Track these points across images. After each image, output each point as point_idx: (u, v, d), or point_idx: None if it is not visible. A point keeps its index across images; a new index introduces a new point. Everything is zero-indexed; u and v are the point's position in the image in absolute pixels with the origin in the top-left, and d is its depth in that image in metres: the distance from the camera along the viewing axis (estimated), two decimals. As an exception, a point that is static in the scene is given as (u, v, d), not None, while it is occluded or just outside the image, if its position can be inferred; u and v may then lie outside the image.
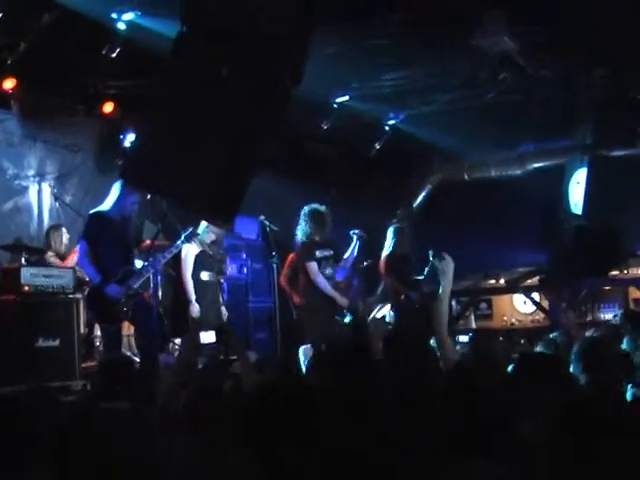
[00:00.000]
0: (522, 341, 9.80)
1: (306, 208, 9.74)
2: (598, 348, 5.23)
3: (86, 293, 8.26)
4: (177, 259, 9.77)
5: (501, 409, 3.34)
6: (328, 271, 9.66)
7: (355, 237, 10.21)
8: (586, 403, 3.11)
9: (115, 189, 8.13)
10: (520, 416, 3.29)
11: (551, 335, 8.11)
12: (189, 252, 9.45)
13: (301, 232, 9.66)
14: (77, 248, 8.51)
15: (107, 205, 8.15)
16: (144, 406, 4.67)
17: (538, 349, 6.95)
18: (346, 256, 10.18)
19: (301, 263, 9.76)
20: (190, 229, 8.80)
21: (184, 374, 7.83)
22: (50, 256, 10.01)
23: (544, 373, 4.01)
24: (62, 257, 10.10)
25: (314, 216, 9.63)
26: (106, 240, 8.05)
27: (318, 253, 9.61)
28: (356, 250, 10.20)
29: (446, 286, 5.71)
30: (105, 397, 4.63)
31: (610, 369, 5.01)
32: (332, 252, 9.78)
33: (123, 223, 8.18)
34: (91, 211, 8.38)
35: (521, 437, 3.18)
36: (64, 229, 10.34)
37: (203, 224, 9.44)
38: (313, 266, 9.55)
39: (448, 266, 5.84)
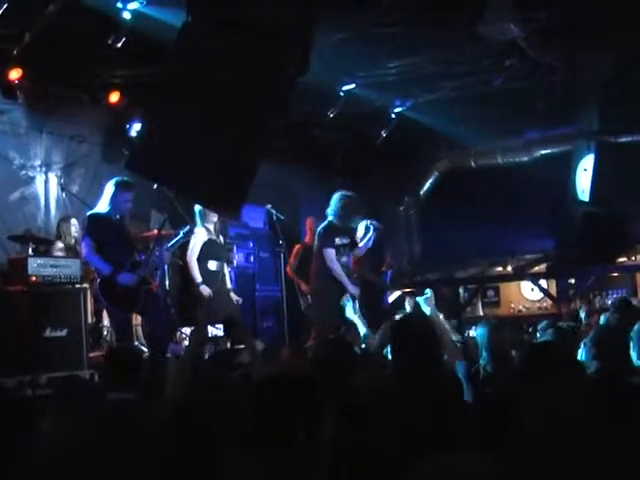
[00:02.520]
0: (530, 329, 9.77)
1: (339, 193, 9.75)
2: (613, 336, 5.22)
3: (97, 284, 8.29)
4: (184, 249, 9.80)
5: (510, 399, 3.34)
6: (344, 259, 9.69)
7: (372, 228, 10.22)
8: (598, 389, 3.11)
9: (108, 189, 8.27)
10: (527, 406, 3.28)
11: (559, 323, 8.11)
12: (197, 238, 9.49)
13: (331, 214, 9.66)
14: (83, 244, 8.58)
15: (103, 206, 8.33)
16: (152, 397, 4.67)
17: (545, 337, 6.93)
18: (361, 245, 10.20)
19: (318, 248, 9.74)
20: (189, 227, 8.93)
21: (192, 364, 7.82)
22: (58, 247, 10.02)
23: (552, 362, 4.00)
24: (71, 248, 10.10)
25: (349, 203, 9.64)
26: (109, 238, 8.20)
27: (337, 240, 9.62)
28: (371, 241, 10.21)
29: (433, 312, 5.92)
30: (113, 387, 4.62)
31: (623, 357, 5.00)
32: (350, 240, 9.80)
33: (120, 220, 8.36)
34: (88, 213, 8.51)
35: (527, 429, 3.17)
36: (73, 220, 10.34)
37: (196, 208, 9.50)
38: (331, 253, 9.56)
39: (429, 298, 6.10)
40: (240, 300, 10.06)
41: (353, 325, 7.55)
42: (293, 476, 2.81)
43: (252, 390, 3.22)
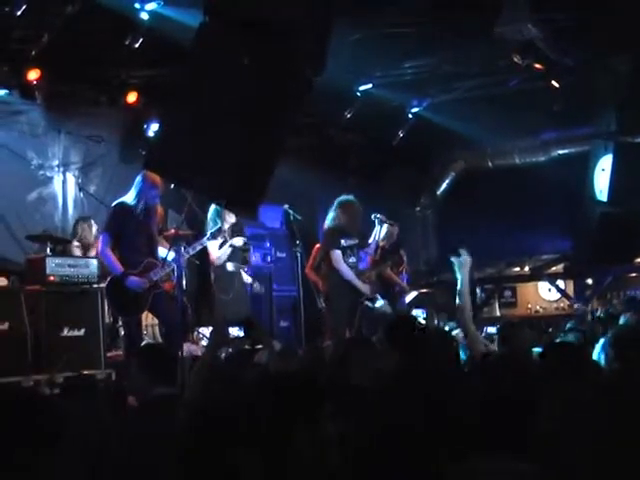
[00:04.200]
0: (550, 329, 9.75)
1: (338, 199, 9.75)
2: (633, 337, 5.18)
3: (105, 284, 8.28)
4: (202, 249, 9.82)
5: (528, 400, 3.33)
6: (352, 260, 9.68)
7: (377, 221, 10.21)
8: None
9: (137, 182, 8.16)
10: (545, 408, 3.27)
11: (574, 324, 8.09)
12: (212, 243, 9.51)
13: (330, 220, 9.68)
14: (99, 239, 8.54)
15: (130, 197, 8.18)
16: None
17: (564, 338, 6.92)
18: (370, 241, 10.20)
19: (325, 250, 9.77)
20: (217, 226, 8.85)
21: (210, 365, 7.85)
22: (75, 246, 10.06)
23: (570, 363, 3.99)
24: (88, 248, 10.14)
25: (344, 206, 9.64)
26: (129, 232, 8.09)
27: (343, 242, 9.62)
28: (379, 235, 10.20)
29: (464, 281, 5.57)
30: (151, 382, 4.69)
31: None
32: (357, 241, 9.79)
33: (146, 215, 8.20)
34: (115, 202, 8.42)
35: (544, 431, 3.16)
36: (93, 221, 10.37)
37: (212, 209, 9.49)
38: (337, 254, 9.56)
39: (464, 262, 5.70)
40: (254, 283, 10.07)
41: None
42: (292, 475, 2.80)
43: (256, 390, 3.22)
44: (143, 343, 8.19)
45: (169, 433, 3.38)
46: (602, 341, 5.09)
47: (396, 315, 9.85)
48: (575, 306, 12.85)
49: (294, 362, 5.49)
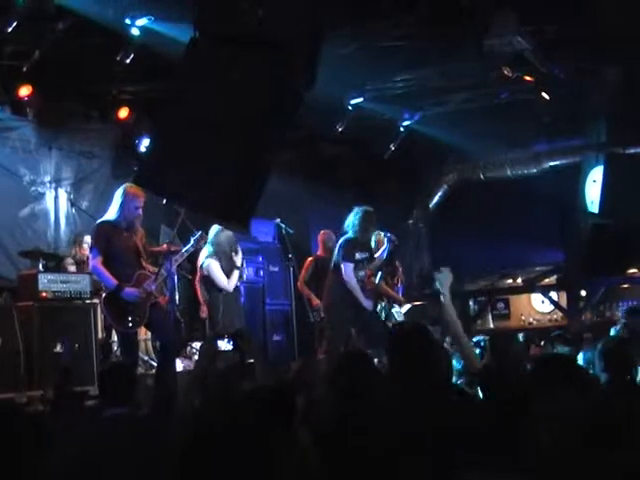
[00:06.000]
0: (542, 342, 9.73)
1: (360, 208, 9.72)
2: (620, 348, 5.20)
3: (102, 298, 8.24)
4: (193, 263, 9.80)
5: (520, 412, 3.33)
6: (361, 274, 9.65)
7: (386, 240, 10.19)
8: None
9: (118, 195, 8.09)
10: (538, 419, 3.27)
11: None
12: (213, 264, 9.49)
13: (349, 228, 9.64)
14: (90, 256, 8.48)
15: (112, 213, 8.09)
16: (161, 411, 4.72)
17: (557, 350, 6.92)
18: (376, 256, 10.20)
19: (337, 261, 9.68)
20: (199, 232, 8.82)
21: (202, 380, 7.85)
22: (68, 263, 10.05)
23: (563, 375, 3.99)
24: (82, 264, 10.12)
25: (364, 217, 9.62)
26: (115, 248, 8.01)
27: (358, 255, 9.60)
28: (386, 253, 10.19)
29: (445, 297, 5.70)
30: (108, 403, 4.69)
31: (631, 369, 4.99)
32: (368, 255, 9.78)
33: (129, 229, 8.15)
34: (97, 221, 8.35)
35: (538, 443, 3.16)
36: (87, 237, 10.35)
37: (215, 226, 9.47)
38: (350, 267, 9.51)
39: (444, 278, 5.83)
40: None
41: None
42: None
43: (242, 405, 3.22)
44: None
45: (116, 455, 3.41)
46: (584, 353, 5.12)
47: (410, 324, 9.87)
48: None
49: (286, 376, 5.48)
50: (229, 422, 2.56)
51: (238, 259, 9.80)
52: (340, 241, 9.78)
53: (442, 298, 5.68)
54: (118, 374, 4.96)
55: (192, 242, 8.68)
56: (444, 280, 5.79)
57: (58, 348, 8.31)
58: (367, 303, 9.67)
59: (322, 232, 11.27)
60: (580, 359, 6.02)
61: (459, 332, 5.40)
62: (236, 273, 9.71)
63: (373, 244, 10.35)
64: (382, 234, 10.28)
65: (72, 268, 10.00)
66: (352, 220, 9.66)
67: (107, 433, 4.17)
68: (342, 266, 9.54)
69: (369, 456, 3.21)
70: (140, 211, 8.12)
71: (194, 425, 2.54)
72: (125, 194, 7.99)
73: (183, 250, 8.63)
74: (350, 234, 9.64)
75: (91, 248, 8.38)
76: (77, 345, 8.50)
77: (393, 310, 10.33)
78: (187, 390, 4.89)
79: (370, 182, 14.86)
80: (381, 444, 3.33)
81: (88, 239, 10.24)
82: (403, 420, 3.54)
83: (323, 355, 9.68)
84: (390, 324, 10.09)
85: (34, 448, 2.78)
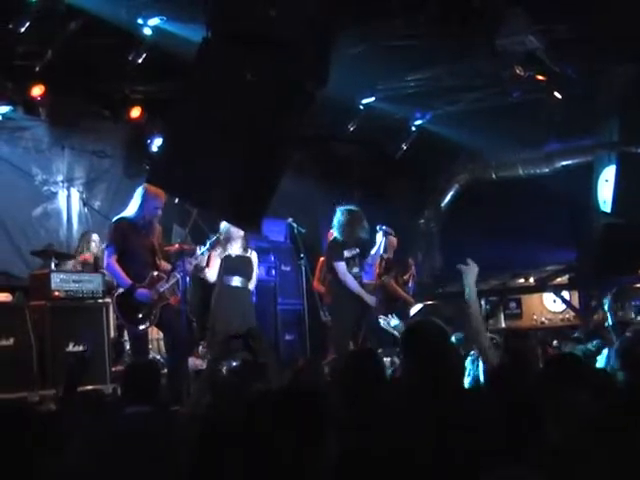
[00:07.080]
0: (555, 342, 9.71)
1: (339, 208, 9.75)
2: (638, 346, 5.18)
3: (114, 298, 8.26)
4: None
5: (534, 411, 3.32)
6: (355, 270, 9.67)
7: (382, 233, 10.21)
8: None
9: (138, 194, 8.12)
10: (550, 418, 3.27)
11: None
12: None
13: (334, 229, 9.68)
14: (105, 253, 8.51)
15: (131, 211, 8.15)
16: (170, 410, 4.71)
17: (569, 349, 6.90)
18: (373, 252, 10.20)
19: (329, 262, 9.78)
20: (216, 236, 8.82)
21: (213, 379, 7.85)
22: (79, 262, 10.06)
23: (576, 374, 3.98)
24: (88, 264, 10.12)
25: (344, 215, 9.64)
26: (132, 246, 8.06)
27: (346, 253, 9.62)
28: (382, 247, 10.20)
29: (470, 290, 5.62)
30: (130, 401, 4.67)
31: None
32: (359, 251, 9.79)
33: (146, 228, 8.17)
34: (115, 218, 8.39)
35: (550, 441, 3.16)
36: (94, 235, 10.37)
37: (222, 225, 9.44)
38: (342, 266, 9.57)
39: (470, 271, 5.75)
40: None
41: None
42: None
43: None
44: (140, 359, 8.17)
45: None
46: (606, 351, 5.09)
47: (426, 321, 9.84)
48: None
49: (295, 377, 5.47)
50: (243, 423, 2.56)
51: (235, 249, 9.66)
52: (328, 243, 9.86)
53: (467, 291, 5.64)
54: (145, 371, 4.96)
55: (208, 245, 8.70)
56: (469, 273, 5.74)
57: (70, 347, 8.33)
58: (371, 299, 9.68)
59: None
60: (603, 357, 5.98)
61: (480, 327, 5.38)
62: (217, 261, 9.57)
63: (384, 247, 10.37)
64: (382, 232, 10.32)
65: (78, 267, 9.98)
66: (336, 221, 9.71)
67: (126, 431, 4.16)
68: (335, 266, 9.58)
69: (372, 456, 3.21)
70: (160, 211, 8.17)
71: (207, 424, 2.55)
72: (146, 193, 8.03)
73: (199, 252, 8.65)
74: (336, 235, 9.69)
75: (106, 246, 8.41)
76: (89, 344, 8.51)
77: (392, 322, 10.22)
78: (198, 390, 4.88)
79: (381, 182, 14.86)
80: (386, 444, 3.33)
81: (96, 237, 10.29)
82: (409, 420, 3.53)
83: (331, 356, 9.67)
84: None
85: (44, 448, 2.79)
